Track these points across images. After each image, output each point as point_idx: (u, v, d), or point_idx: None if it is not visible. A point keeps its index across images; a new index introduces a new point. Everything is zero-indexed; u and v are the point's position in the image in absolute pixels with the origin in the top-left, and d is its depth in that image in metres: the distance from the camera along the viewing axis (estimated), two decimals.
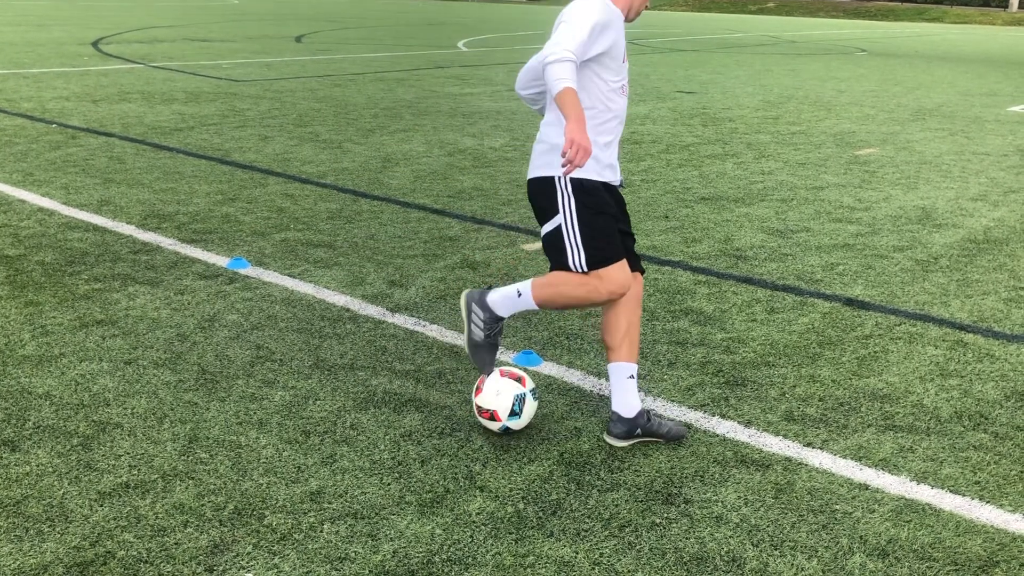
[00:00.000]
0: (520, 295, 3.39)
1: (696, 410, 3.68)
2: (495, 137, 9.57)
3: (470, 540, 2.80)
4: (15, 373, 3.81)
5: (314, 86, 13.17)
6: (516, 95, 12.22)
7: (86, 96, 11.34)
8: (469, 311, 3.49)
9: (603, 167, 3.29)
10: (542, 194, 3.32)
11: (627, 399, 3.37)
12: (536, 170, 3.32)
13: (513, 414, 3.37)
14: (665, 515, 2.96)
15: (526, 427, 3.46)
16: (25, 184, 6.93)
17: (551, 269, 3.38)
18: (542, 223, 3.35)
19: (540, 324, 4.51)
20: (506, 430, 3.41)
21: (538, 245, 5.82)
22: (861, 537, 2.88)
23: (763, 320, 4.66)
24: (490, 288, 3.51)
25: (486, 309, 3.45)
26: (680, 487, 3.12)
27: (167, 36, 20.66)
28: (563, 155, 2.93)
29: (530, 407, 3.42)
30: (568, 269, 3.28)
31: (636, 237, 3.74)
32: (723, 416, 3.63)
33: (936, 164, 8.88)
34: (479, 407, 3.41)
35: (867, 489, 3.15)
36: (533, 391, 3.45)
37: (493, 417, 3.38)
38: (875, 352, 4.30)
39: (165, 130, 9.30)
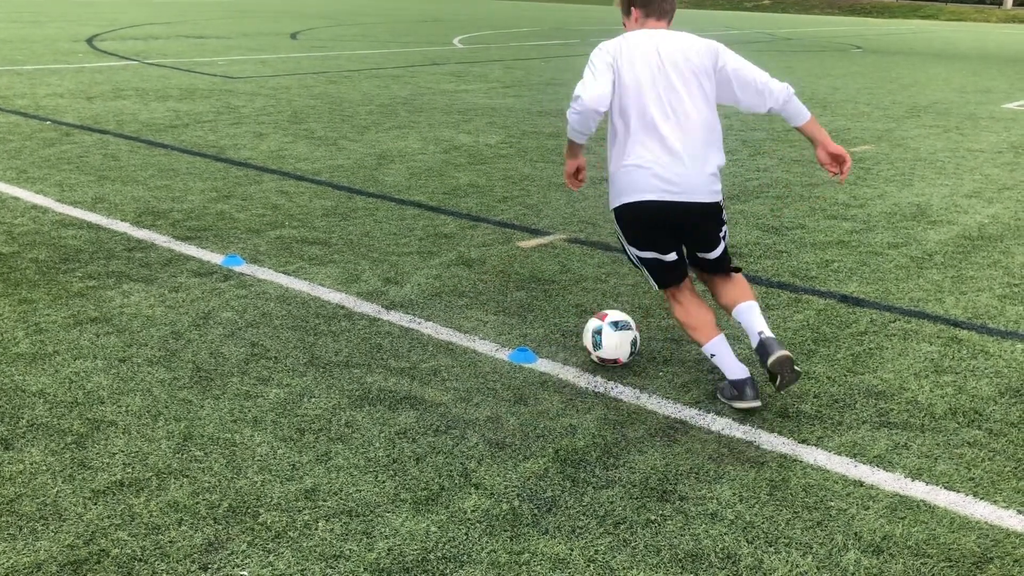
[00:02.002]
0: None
1: (691, 407, 3.68)
2: (491, 134, 9.56)
3: (465, 537, 2.80)
4: (8, 371, 3.80)
5: (309, 83, 13.15)
6: (523, 94, 12.17)
7: (80, 93, 11.31)
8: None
9: None
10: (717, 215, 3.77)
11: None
12: (714, 196, 3.70)
13: (596, 345, 3.98)
14: (660, 512, 2.96)
15: (521, 425, 3.47)
16: (19, 181, 6.91)
17: (728, 270, 3.85)
18: (717, 242, 3.79)
19: (536, 321, 4.51)
20: (601, 360, 4.00)
21: (535, 242, 5.82)
22: (855, 534, 2.88)
23: None
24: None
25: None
26: (675, 484, 3.12)
27: (162, 33, 20.61)
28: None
29: (610, 337, 3.95)
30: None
31: (607, 224, 3.87)
32: (718, 413, 3.64)
33: (931, 161, 8.89)
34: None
35: (861, 486, 3.15)
36: (613, 323, 3.97)
37: (589, 352, 4.04)
38: (870, 349, 4.31)
39: (160, 127, 9.28)
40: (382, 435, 3.38)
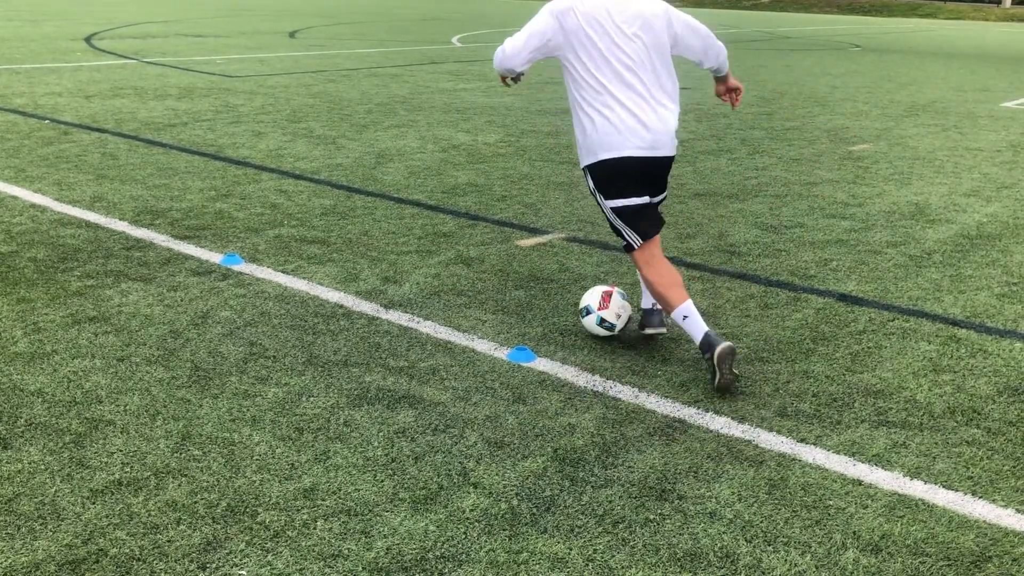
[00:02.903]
0: None
1: (690, 406, 3.68)
2: (489, 133, 9.56)
3: (464, 537, 2.80)
4: (7, 370, 3.79)
5: (308, 82, 13.14)
6: (521, 93, 12.18)
7: (79, 92, 11.30)
8: None
9: None
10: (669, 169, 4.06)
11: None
12: (676, 148, 3.99)
13: (613, 322, 4.27)
14: (659, 511, 2.96)
15: (520, 424, 3.47)
16: (17, 180, 6.90)
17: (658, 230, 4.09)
18: (665, 187, 4.11)
19: (534, 320, 4.51)
20: (620, 318, 4.27)
21: (534, 241, 5.82)
22: (854, 533, 2.88)
23: (757, 316, 4.66)
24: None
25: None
26: (674, 483, 3.12)
27: (160, 31, 20.60)
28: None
29: (614, 306, 4.25)
30: None
31: (605, 223, 4.11)
32: (717, 412, 3.64)
33: (929, 160, 8.89)
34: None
35: (860, 485, 3.15)
36: (587, 308, 4.28)
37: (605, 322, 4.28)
38: (868, 348, 4.31)
39: (158, 126, 9.27)
40: (381, 434, 3.38)
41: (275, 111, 10.44)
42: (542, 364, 4.03)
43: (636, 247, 3.99)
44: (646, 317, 4.25)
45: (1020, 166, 8.72)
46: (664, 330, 4.23)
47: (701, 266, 5.43)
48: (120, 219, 6.00)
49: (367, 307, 4.62)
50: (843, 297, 4.97)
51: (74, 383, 3.70)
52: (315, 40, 20.33)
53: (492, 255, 5.51)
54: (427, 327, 4.40)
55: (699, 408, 3.67)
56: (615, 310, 4.24)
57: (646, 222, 3.98)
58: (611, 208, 3.97)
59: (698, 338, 3.80)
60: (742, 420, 3.57)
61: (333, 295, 4.77)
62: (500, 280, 5.08)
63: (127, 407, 3.52)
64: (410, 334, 4.31)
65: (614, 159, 3.86)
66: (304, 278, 5.01)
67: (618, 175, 3.89)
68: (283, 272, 5.10)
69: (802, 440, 3.44)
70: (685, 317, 3.86)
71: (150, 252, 5.36)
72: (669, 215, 6.54)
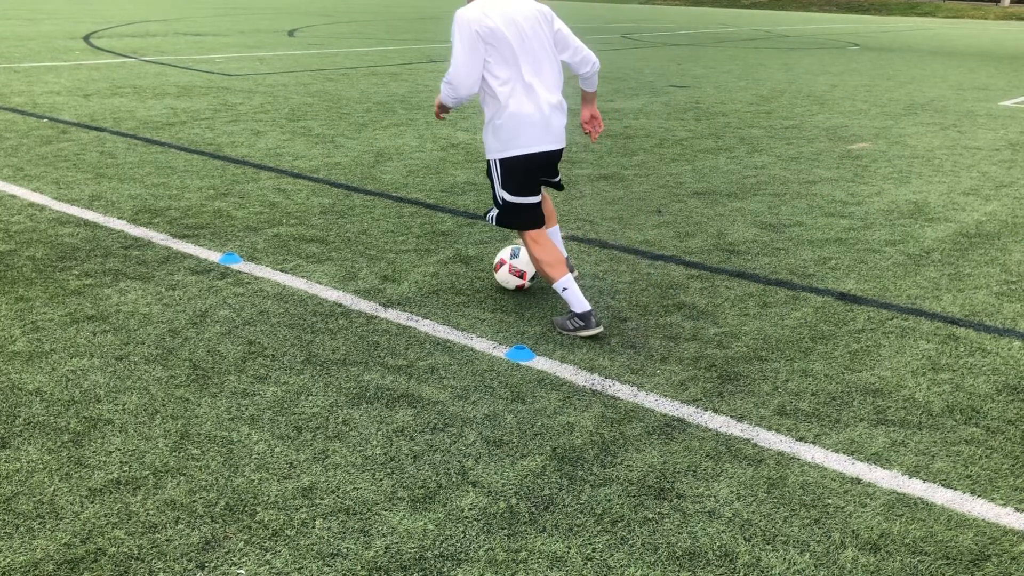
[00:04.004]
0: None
1: (689, 405, 3.68)
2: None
3: (462, 535, 2.80)
4: (5, 369, 3.79)
5: (307, 80, 13.13)
6: None
7: (77, 90, 11.29)
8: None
9: None
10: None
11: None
12: (560, 142, 4.36)
13: (514, 255, 4.79)
14: (657, 510, 2.96)
15: (519, 423, 3.47)
16: (16, 179, 6.90)
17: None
18: (557, 173, 4.53)
19: (533, 319, 4.51)
20: (513, 271, 4.76)
21: None
22: (853, 531, 2.88)
23: (756, 314, 4.66)
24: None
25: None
26: (672, 482, 3.12)
27: (159, 30, 20.58)
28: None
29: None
30: None
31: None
32: (715, 411, 3.64)
33: (928, 158, 8.89)
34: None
35: (859, 483, 3.15)
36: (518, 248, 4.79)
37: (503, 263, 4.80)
38: (867, 346, 4.31)
39: (157, 125, 9.27)
40: (379, 433, 3.38)
41: (274, 110, 10.43)
42: (541, 363, 4.03)
43: (527, 233, 4.40)
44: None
45: (1019, 165, 8.73)
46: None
47: (700, 265, 5.43)
48: (119, 218, 5.99)
49: (366, 306, 4.62)
50: (842, 296, 4.97)
51: (72, 382, 3.69)
52: (314, 39, 20.32)
53: (491, 254, 5.51)
54: (426, 326, 4.39)
55: (698, 407, 3.67)
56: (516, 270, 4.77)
57: (533, 220, 4.38)
58: (512, 203, 4.34)
59: (578, 309, 4.26)
60: (741, 419, 3.57)
61: (332, 294, 4.77)
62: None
63: (126, 406, 3.51)
64: (409, 333, 4.31)
65: (524, 155, 4.23)
66: (303, 277, 5.01)
67: (524, 171, 4.28)
68: (282, 271, 5.09)
69: (801, 439, 3.44)
70: (565, 289, 4.29)
71: (148, 251, 5.36)
72: (668, 213, 6.55)
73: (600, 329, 4.25)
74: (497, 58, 4.14)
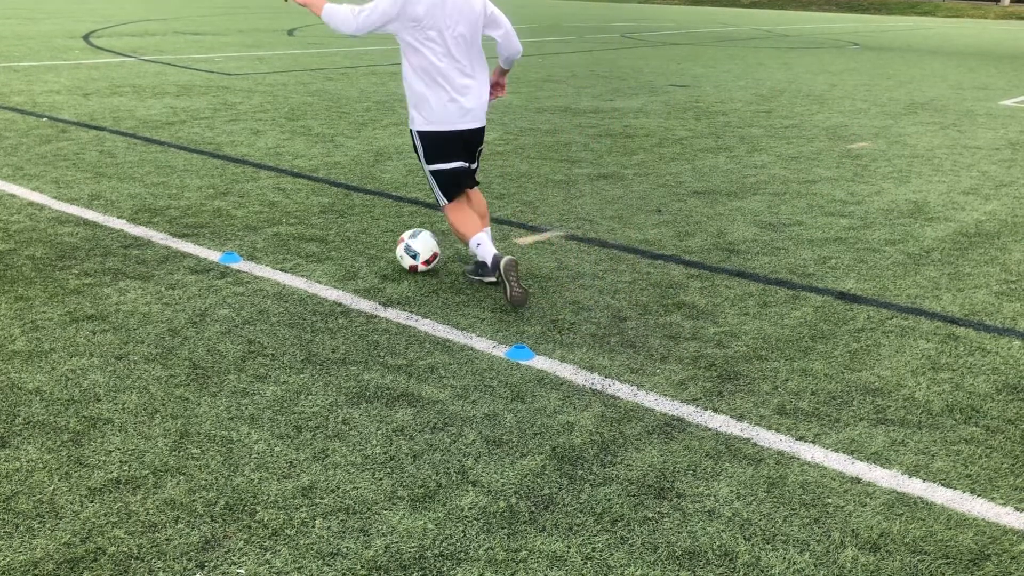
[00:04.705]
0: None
1: (688, 404, 3.68)
2: (488, 131, 9.54)
3: (462, 535, 2.80)
4: (5, 368, 3.79)
5: (306, 80, 13.13)
6: (520, 91, 12.13)
7: (77, 90, 11.29)
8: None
9: None
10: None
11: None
12: (481, 120, 4.71)
13: (415, 256, 5.02)
14: (657, 509, 2.96)
15: (519, 422, 3.47)
16: (15, 178, 6.89)
17: (476, 183, 4.92)
18: (479, 153, 4.84)
19: (533, 318, 4.51)
20: (427, 264, 5.03)
21: (532, 239, 5.82)
22: (853, 531, 2.88)
23: (755, 314, 4.66)
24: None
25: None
26: (672, 481, 3.12)
27: (158, 29, 20.58)
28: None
29: (416, 243, 5.01)
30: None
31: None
32: (715, 410, 3.64)
33: (928, 158, 8.89)
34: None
35: (859, 483, 3.15)
36: (411, 235, 5.04)
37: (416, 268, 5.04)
38: (867, 346, 4.31)
39: (156, 124, 9.26)
40: (379, 432, 3.38)
41: (273, 109, 10.43)
42: (540, 362, 4.03)
43: (442, 205, 4.82)
44: (492, 265, 4.69)
45: (1018, 164, 8.73)
46: (493, 278, 4.82)
47: (700, 264, 5.43)
48: (118, 217, 5.99)
49: (365, 305, 4.62)
50: (842, 295, 4.97)
51: (72, 381, 3.69)
52: (313, 38, 20.31)
53: None
54: (425, 325, 4.39)
55: (698, 406, 3.66)
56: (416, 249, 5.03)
57: (455, 188, 4.76)
58: (430, 171, 4.73)
59: (488, 259, 4.61)
60: (741, 418, 3.57)
61: (331, 293, 4.77)
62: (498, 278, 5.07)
63: (125, 405, 3.51)
64: (408, 332, 4.31)
65: (443, 131, 4.59)
66: (302, 276, 5.01)
67: (443, 143, 4.63)
68: (281, 270, 5.09)
69: (801, 438, 3.44)
70: (478, 244, 4.68)
71: (148, 250, 5.35)
72: (668, 213, 6.54)
73: (494, 280, 4.78)
74: (421, 36, 4.46)
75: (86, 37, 18.15)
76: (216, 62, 14.83)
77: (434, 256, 5.04)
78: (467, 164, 4.76)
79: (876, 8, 49.37)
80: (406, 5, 4.42)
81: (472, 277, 4.95)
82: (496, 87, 4.96)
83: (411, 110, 4.64)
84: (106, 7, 27.01)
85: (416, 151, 4.73)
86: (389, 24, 4.50)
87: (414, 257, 5.01)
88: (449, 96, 4.54)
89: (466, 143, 4.70)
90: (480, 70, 4.66)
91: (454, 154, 4.67)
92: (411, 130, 4.70)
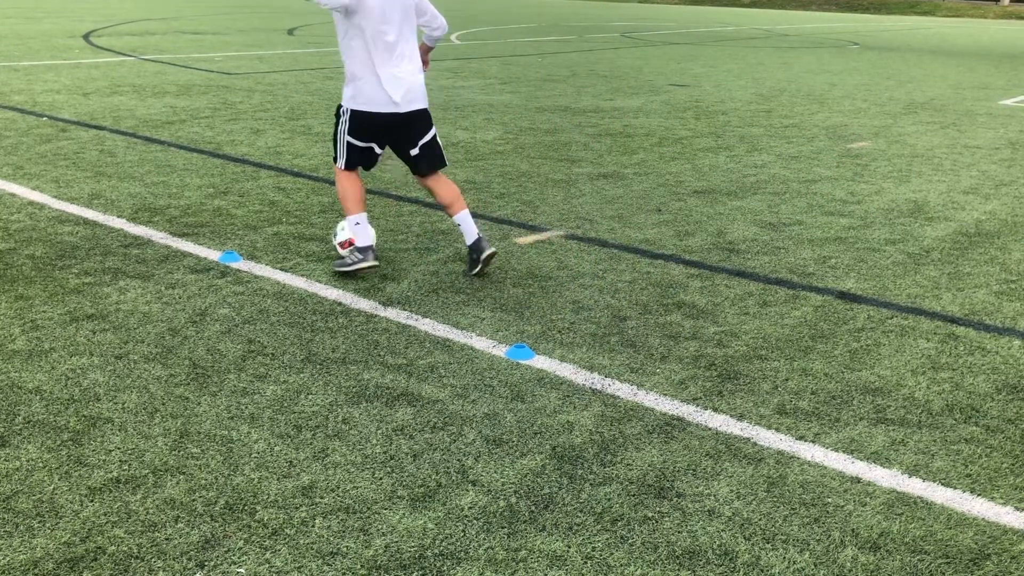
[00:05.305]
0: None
1: (688, 403, 3.68)
2: (488, 131, 9.55)
3: (462, 534, 2.80)
4: (5, 368, 3.79)
5: (306, 79, 13.13)
6: (520, 90, 12.15)
7: (77, 89, 11.29)
8: None
9: None
10: (427, 117, 5.04)
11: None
12: (424, 101, 4.99)
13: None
14: (657, 509, 2.96)
15: (519, 421, 3.47)
16: (15, 177, 6.89)
17: (435, 168, 5.08)
18: (422, 136, 4.99)
19: (533, 318, 4.51)
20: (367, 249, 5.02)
21: (532, 238, 5.82)
22: (853, 530, 2.88)
23: (756, 313, 4.66)
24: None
25: None
26: (672, 481, 3.12)
27: (158, 29, 20.57)
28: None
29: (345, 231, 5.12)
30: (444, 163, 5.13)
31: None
32: (715, 410, 3.64)
33: (928, 157, 8.89)
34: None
35: (859, 482, 3.15)
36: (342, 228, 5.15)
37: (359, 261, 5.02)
38: (867, 345, 4.31)
39: (156, 123, 9.26)
40: (379, 432, 3.38)
41: (273, 108, 10.43)
42: (540, 362, 4.03)
43: (339, 165, 4.97)
44: (474, 248, 5.01)
45: (1018, 164, 8.73)
46: (493, 249, 5.04)
47: (700, 263, 5.43)
48: (118, 216, 5.99)
49: (365, 304, 4.62)
50: (842, 295, 4.97)
51: (72, 381, 3.69)
52: (313, 37, 20.31)
53: None
54: (425, 324, 4.39)
55: (698, 406, 3.66)
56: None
57: (359, 161, 4.98)
58: (348, 140, 4.90)
59: (361, 243, 4.91)
60: (741, 418, 3.57)
61: (331, 292, 4.77)
62: (498, 277, 5.08)
63: (125, 405, 3.51)
64: (408, 331, 4.31)
65: (372, 112, 4.81)
66: (302, 275, 5.01)
67: (369, 124, 4.84)
68: (281, 269, 5.09)
69: (801, 438, 3.44)
70: (357, 223, 4.92)
71: (148, 249, 5.36)
72: (668, 212, 6.54)
73: (376, 263, 4.94)
74: (364, 22, 4.67)
75: (86, 36, 18.15)
76: (216, 61, 14.83)
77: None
78: (380, 147, 5.00)
79: (876, 8, 49.37)
80: None
81: (341, 267, 4.99)
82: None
83: (345, 87, 4.86)
84: (106, 6, 27.00)
85: (338, 116, 4.92)
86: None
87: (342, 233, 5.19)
88: (381, 81, 4.74)
89: (394, 127, 4.89)
90: (413, 57, 4.89)
91: (373, 136, 4.90)
92: (341, 105, 4.90)
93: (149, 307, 4.49)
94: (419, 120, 4.95)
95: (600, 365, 4.00)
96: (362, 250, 4.94)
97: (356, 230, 4.93)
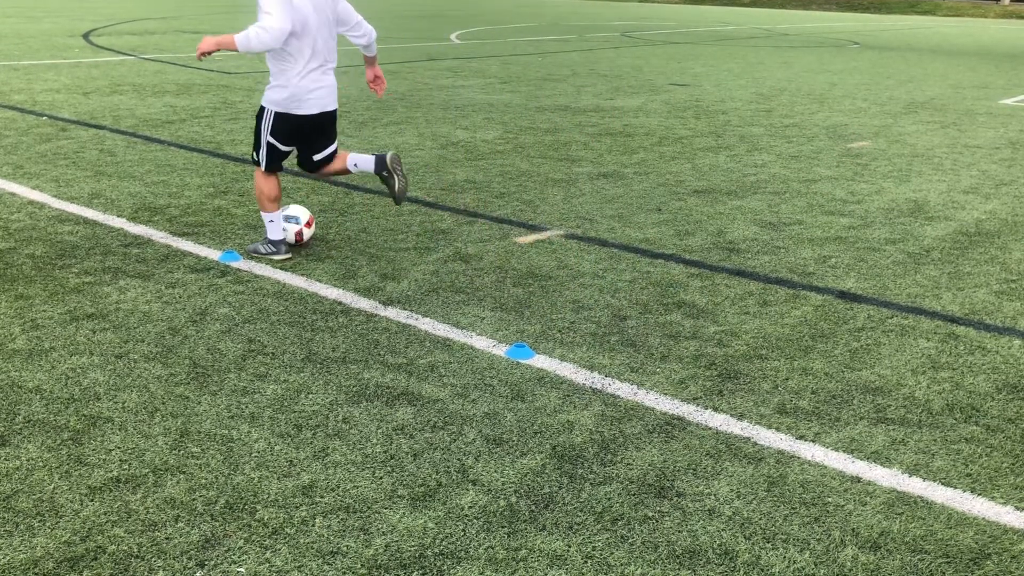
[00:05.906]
0: (356, 166, 5.38)
1: (689, 403, 3.68)
2: (488, 130, 9.55)
3: (462, 534, 2.80)
4: (5, 367, 3.79)
5: None
6: (520, 89, 12.17)
7: (77, 88, 11.29)
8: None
9: None
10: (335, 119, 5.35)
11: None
12: (336, 103, 5.25)
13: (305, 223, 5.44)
14: (657, 508, 2.96)
15: (519, 421, 3.47)
16: (15, 177, 6.89)
17: (336, 163, 5.38)
18: (332, 142, 5.33)
19: (533, 317, 4.51)
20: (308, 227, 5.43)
21: (532, 238, 5.82)
22: (853, 530, 2.88)
23: (756, 313, 4.66)
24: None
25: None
26: (672, 480, 3.12)
27: (158, 28, 20.57)
28: None
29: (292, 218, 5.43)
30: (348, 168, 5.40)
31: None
32: (716, 409, 3.64)
33: (928, 157, 8.89)
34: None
35: (859, 482, 3.15)
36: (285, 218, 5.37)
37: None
38: (867, 345, 4.31)
39: (156, 122, 9.26)
40: (379, 431, 3.38)
41: None
42: (541, 361, 4.03)
43: (260, 167, 5.16)
44: (378, 165, 5.30)
45: (1019, 163, 8.73)
46: (392, 152, 5.41)
47: (700, 263, 5.43)
48: (118, 216, 5.99)
49: (365, 304, 4.62)
50: (842, 294, 4.97)
51: (72, 380, 3.69)
52: None
53: (490, 252, 5.51)
54: (425, 324, 4.39)
55: (698, 405, 3.66)
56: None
57: (278, 164, 5.19)
58: (268, 141, 5.10)
59: (273, 236, 5.21)
60: (741, 417, 3.57)
61: (331, 292, 4.77)
62: (498, 277, 5.08)
63: (125, 404, 3.51)
64: (408, 331, 4.31)
65: (298, 116, 5.04)
66: (302, 275, 5.01)
67: (294, 127, 5.08)
68: (281, 269, 5.09)
69: (801, 437, 3.44)
70: (271, 221, 5.19)
71: (148, 249, 5.35)
72: (668, 212, 6.54)
73: (288, 256, 5.22)
74: (298, 29, 4.88)
75: (86, 36, 18.14)
76: (216, 61, 14.82)
77: (311, 219, 5.47)
78: (299, 150, 5.27)
79: (876, 7, 49.37)
80: (293, 11, 4.87)
81: (253, 253, 5.25)
82: (377, 80, 5.60)
83: (271, 91, 5.06)
84: (106, 6, 27.00)
85: (260, 119, 5.10)
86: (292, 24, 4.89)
87: (296, 222, 5.35)
88: (306, 84, 5.00)
89: (316, 127, 5.16)
90: (333, 61, 5.19)
91: (295, 140, 5.15)
92: (263, 106, 5.10)
93: (149, 306, 4.49)
94: (333, 122, 5.28)
95: (600, 364, 4.01)
96: (274, 243, 5.23)
97: (270, 226, 5.20)
